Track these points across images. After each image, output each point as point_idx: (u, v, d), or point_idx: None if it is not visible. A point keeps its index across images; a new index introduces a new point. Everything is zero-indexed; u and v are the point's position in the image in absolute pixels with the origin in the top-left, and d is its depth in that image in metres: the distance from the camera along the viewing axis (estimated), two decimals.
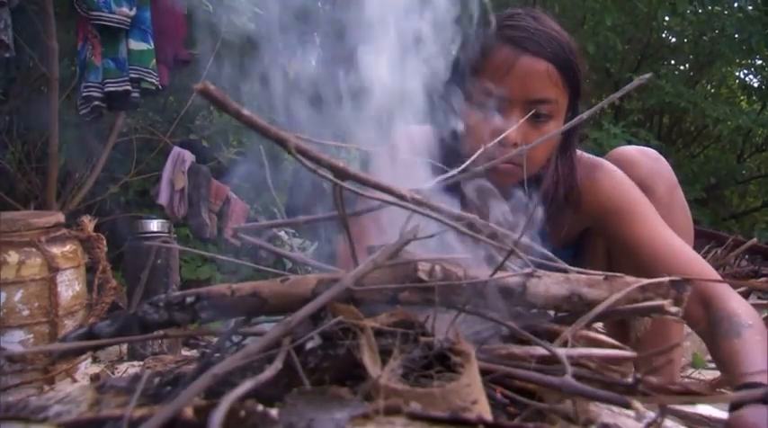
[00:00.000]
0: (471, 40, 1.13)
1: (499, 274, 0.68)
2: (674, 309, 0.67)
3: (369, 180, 0.63)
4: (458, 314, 0.65)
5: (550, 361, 0.61)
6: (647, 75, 0.90)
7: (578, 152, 1.31)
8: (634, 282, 0.69)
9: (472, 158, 0.86)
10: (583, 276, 0.71)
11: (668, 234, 1.19)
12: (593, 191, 1.27)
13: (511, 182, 1.16)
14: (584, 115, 0.96)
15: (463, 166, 0.85)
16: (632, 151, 1.40)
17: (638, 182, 1.29)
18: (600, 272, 0.73)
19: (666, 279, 0.70)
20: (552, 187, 1.24)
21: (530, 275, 0.69)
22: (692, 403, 0.64)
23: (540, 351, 0.63)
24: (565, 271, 0.73)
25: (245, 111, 0.53)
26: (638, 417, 0.67)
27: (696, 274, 1.09)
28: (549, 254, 0.81)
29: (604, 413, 0.66)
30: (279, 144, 0.56)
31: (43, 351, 0.92)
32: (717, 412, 1.35)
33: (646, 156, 1.38)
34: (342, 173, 0.61)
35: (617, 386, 0.59)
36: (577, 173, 1.27)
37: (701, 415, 1.26)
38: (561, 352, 0.61)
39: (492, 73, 1.14)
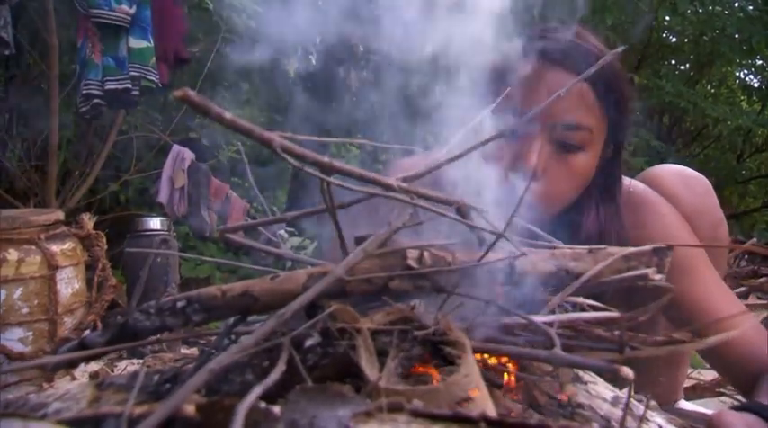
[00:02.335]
0: (499, 55, 0.98)
1: (488, 257, 0.68)
2: (657, 277, 0.68)
3: (354, 172, 0.63)
4: (446, 298, 0.65)
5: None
6: (621, 49, 0.84)
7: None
8: (617, 252, 0.70)
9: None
10: (568, 250, 0.72)
11: (722, 296, 1.08)
12: (641, 238, 1.05)
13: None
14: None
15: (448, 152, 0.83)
16: (676, 182, 1.21)
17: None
18: (585, 246, 0.73)
19: (649, 247, 0.70)
20: (595, 239, 1.04)
21: (517, 256, 0.69)
22: (678, 351, 0.65)
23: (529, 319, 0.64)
24: (553, 247, 0.74)
25: (228, 114, 0.53)
26: (614, 401, 0.68)
27: (751, 347, 1.01)
28: (539, 231, 0.80)
29: (581, 393, 0.67)
30: (263, 144, 0.57)
31: (36, 365, 0.93)
32: (703, 409, 1.36)
33: (690, 190, 1.21)
34: (328, 168, 0.61)
35: (604, 343, 0.61)
36: (623, 215, 1.10)
37: (692, 412, 1.27)
38: (549, 319, 0.62)
39: (515, 88, 0.96)
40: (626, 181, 1.16)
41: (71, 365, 0.74)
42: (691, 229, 1.13)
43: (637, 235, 1.09)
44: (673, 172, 1.25)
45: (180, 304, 0.67)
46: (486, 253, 0.68)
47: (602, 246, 0.72)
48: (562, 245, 0.76)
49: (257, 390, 0.43)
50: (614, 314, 0.66)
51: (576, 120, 0.98)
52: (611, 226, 1.09)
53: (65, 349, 0.71)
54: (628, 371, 0.49)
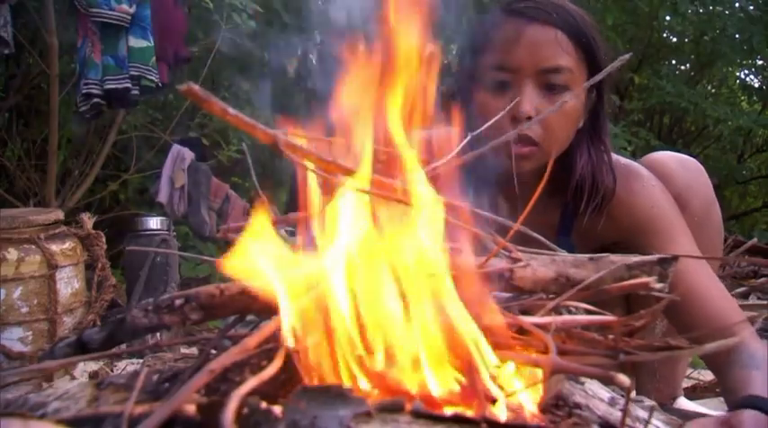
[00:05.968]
0: (478, 22, 1.12)
1: (489, 263, 0.68)
2: (658, 286, 0.67)
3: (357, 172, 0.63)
4: None
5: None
6: (628, 55, 0.92)
7: (613, 155, 1.21)
8: (619, 260, 0.70)
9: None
10: (569, 257, 0.72)
11: (702, 270, 1.11)
12: (629, 205, 1.16)
13: (530, 167, 1.08)
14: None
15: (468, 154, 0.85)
16: (670, 161, 1.29)
17: (673, 195, 1.21)
18: (587, 255, 0.73)
19: (654, 257, 0.70)
20: (589, 179, 1.14)
21: (516, 260, 0.69)
22: (673, 356, 0.65)
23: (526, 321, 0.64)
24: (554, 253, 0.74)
25: (231, 110, 0.53)
26: (612, 402, 0.67)
27: (724, 317, 1.05)
28: (543, 239, 0.80)
29: (577, 394, 0.67)
30: (267, 141, 0.56)
31: (34, 369, 0.94)
32: (703, 409, 1.35)
33: (684, 168, 1.28)
34: (331, 167, 0.61)
35: (600, 347, 0.61)
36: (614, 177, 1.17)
37: (692, 412, 1.27)
38: (545, 321, 0.62)
39: (499, 48, 1.09)
40: (612, 156, 1.22)
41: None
42: (675, 203, 1.18)
43: (623, 199, 1.16)
44: (666, 154, 1.34)
45: (178, 302, 0.66)
46: (487, 260, 0.69)
47: (605, 255, 0.72)
48: (563, 252, 0.76)
49: (251, 382, 0.43)
50: (610, 318, 0.66)
51: (557, 62, 1.08)
52: (602, 164, 1.16)
53: (63, 345, 0.70)
54: (624, 379, 0.49)
